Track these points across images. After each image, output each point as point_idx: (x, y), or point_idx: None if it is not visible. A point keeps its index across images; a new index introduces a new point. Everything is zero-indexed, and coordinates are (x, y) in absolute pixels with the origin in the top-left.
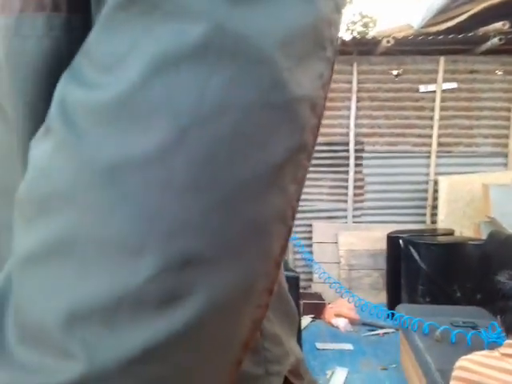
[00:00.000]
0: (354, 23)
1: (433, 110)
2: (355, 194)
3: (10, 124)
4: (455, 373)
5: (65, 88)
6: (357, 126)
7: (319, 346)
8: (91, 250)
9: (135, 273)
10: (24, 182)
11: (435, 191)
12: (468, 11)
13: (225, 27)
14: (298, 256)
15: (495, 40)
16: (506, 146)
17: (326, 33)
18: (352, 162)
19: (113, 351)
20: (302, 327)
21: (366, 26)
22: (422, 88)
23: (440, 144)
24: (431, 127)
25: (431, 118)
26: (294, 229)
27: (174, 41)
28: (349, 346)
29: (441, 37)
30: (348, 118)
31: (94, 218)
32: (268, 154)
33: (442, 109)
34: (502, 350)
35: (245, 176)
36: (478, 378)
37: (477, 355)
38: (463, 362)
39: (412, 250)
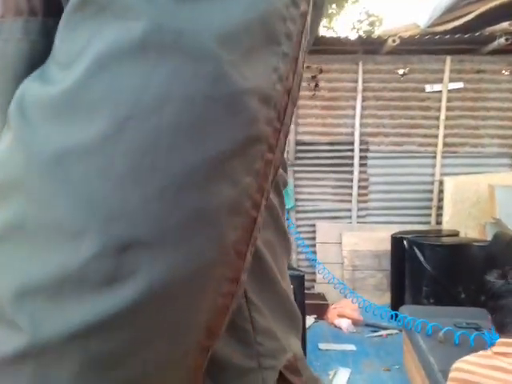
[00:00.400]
0: (360, 22)
1: (439, 109)
2: (359, 194)
3: None
4: (452, 374)
5: (26, 85)
6: (362, 125)
7: (322, 346)
8: (39, 233)
9: (76, 254)
10: None
11: (440, 192)
12: (475, 10)
13: (163, 24)
14: (302, 256)
15: (502, 40)
16: None
17: (278, 27)
18: (356, 161)
19: (56, 325)
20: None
21: (372, 24)
22: (428, 88)
23: (446, 144)
24: (437, 127)
25: (437, 118)
26: (298, 229)
27: (118, 39)
28: (351, 347)
29: (447, 36)
30: (353, 117)
31: (40, 204)
32: (211, 145)
33: (448, 109)
34: (495, 348)
35: (185, 167)
36: (473, 378)
37: (472, 356)
38: (459, 363)
39: (416, 251)
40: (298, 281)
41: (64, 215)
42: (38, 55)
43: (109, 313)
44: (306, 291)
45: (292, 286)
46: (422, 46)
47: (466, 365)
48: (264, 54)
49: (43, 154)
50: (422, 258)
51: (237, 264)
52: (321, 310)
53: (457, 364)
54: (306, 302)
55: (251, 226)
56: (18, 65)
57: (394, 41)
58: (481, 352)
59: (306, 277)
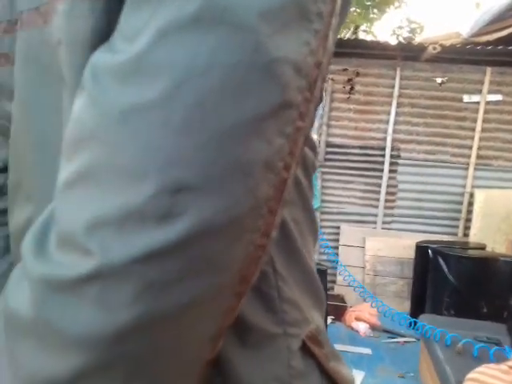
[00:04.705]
0: (401, 28)
1: (475, 121)
2: (387, 200)
3: (69, 90)
4: None
5: (97, 55)
6: (395, 131)
7: (337, 347)
8: (108, 176)
9: (139, 193)
10: (66, 131)
11: (470, 204)
12: None
13: (213, 2)
14: (324, 257)
15: None
16: None
17: (310, 7)
18: (387, 167)
19: (121, 251)
20: None
21: (412, 31)
22: (466, 98)
23: (479, 156)
24: (472, 138)
25: (473, 129)
26: (322, 230)
27: (175, 14)
28: (367, 351)
29: (490, 47)
30: (386, 122)
31: (111, 152)
32: (249, 106)
33: (485, 121)
34: (510, 363)
35: (228, 122)
36: None
37: (487, 367)
38: (474, 374)
39: (441, 261)
40: (321, 275)
41: (129, 160)
42: (100, 30)
43: (163, 243)
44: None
45: None
46: (463, 56)
47: (482, 376)
48: (297, 29)
49: (113, 110)
50: (445, 269)
51: (269, 219)
52: (339, 312)
53: (471, 374)
54: None
55: (282, 186)
56: (86, 38)
57: (434, 48)
58: (492, 364)
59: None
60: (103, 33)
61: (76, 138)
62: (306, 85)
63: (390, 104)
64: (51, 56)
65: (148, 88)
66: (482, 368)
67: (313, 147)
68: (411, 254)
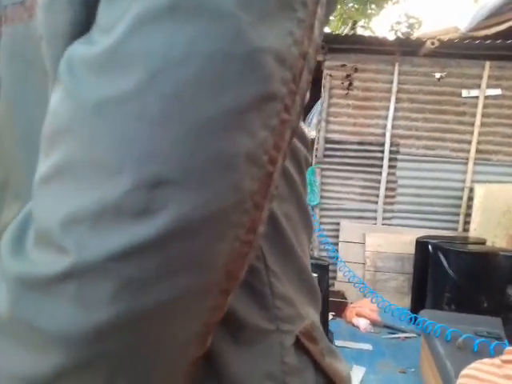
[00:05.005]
0: (399, 24)
1: (474, 115)
2: (386, 196)
3: (51, 83)
4: (460, 381)
5: (73, 47)
6: (394, 127)
7: (338, 343)
8: (83, 171)
9: (115, 188)
10: (43, 126)
11: (470, 199)
12: None
13: None
14: (324, 253)
15: None
16: None
17: None
18: (386, 163)
19: (96, 249)
20: None
21: (411, 27)
22: (465, 93)
23: (479, 151)
24: (471, 133)
25: (472, 124)
26: (321, 226)
27: (151, 3)
28: (368, 347)
29: (488, 41)
30: (385, 118)
31: (86, 145)
32: (229, 97)
33: (484, 115)
34: (504, 357)
35: (207, 114)
36: None
37: (481, 363)
38: (468, 370)
39: (441, 257)
40: (322, 270)
41: (105, 155)
42: (79, 23)
43: (140, 240)
44: None
45: (316, 275)
46: (461, 51)
47: (476, 372)
48: (280, 18)
49: (88, 102)
50: (446, 264)
51: (254, 214)
52: (339, 308)
53: (466, 371)
54: None
55: (268, 181)
56: (65, 31)
57: (432, 43)
58: (487, 359)
59: None
60: (83, 26)
61: (53, 132)
62: (290, 76)
63: (388, 99)
64: (35, 51)
65: (123, 79)
66: (476, 364)
67: (305, 143)
68: (411, 249)
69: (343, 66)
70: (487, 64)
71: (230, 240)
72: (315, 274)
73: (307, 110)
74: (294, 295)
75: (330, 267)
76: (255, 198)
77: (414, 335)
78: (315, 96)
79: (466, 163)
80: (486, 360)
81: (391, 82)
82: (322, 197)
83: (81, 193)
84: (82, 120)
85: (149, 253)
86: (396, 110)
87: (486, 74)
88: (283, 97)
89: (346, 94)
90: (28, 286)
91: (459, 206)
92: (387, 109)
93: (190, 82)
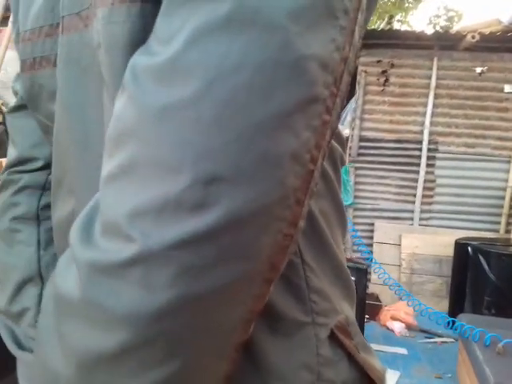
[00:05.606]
0: (438, 17)
1: None
2: (424, 196)
3: (109, 90)
4: None
5: (136, 57)
6: (432, 124)
7: (372, 346)
8: (148, 169)
9: (175, 184)
10: (108, 129)
11: None
12: None
13: (244, 3)
14: (358, 255)
15: None
16: None
17: (337, 4)
18: (424, 161)
19: (159, 238)
20: None
21: (450, 20)
22: (508, 88)
23: None
24: None
25: None
26: (355, 227)
27: (208, 17)
28: (403, 351)
29: None
30: (423, 115)
31: (149, 147)
32: (277, 101)
33: None
34: None
35: (257, 117)
36: None
37: None
38: None
39: (481, 259)
40: (360, 273)
41: (166, 155)
42: (137, 33)
43: (197, 231)
44: None
45: (353, 278)
46: (504, 44)
47: None
48: (324, 26)
49: (152, 108)
50: (486, 267)
51: (296, 209)
52: (373, 311)
53: None
54: None
55: (309, 178)
56: (123, 41)
57: (473, 37)
58: None
59: None
60: (140, 36)
61: (117, 135)
62: (332, 80)
63: (426, 96)
64: (91, 58)
65: (182, 87)
66: None
67: (341, 142)
68: (450, 251)
69: (379, 61)
70: None
71: (274, 233)
72: (353, 278)
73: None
74: (329, 290)
75: None
76: (297, 194)
77: (452, 340)
78: (349, 93)
79: (509, 162)
80: None
81: (429, 78)
82: (355, 196)
83: (145, 189)
84: (146, 124)
85: (204, 242)
86: (435, 106)
87: None
88: (325, 99)
89: (382, 90)
90: (99, 272)
91: (501, 207)
92: (425, 105)
93: (242, 88)
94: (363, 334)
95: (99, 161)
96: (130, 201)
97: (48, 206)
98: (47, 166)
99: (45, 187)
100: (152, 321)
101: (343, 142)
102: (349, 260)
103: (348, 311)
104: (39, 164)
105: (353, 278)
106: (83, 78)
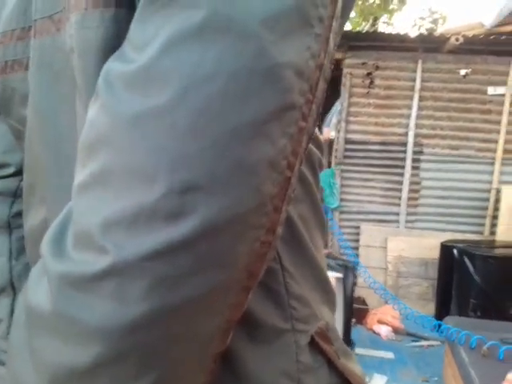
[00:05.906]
0: (423, 19)
1: (501, 113)
2: (409, 198)
3: (82, 96)
4: None
5: (109, 64)
6: (417, 126)
7: (358, 351)
8: (121, 178)
9: (150, 193)
10: (81, 136)
11: (497, 201)
12: None
13: (218, 11)
14: (343, 258)
15: None
16: None
17: (311, 12)
18: (409, 163)
19: (133, 249)
20: None
21: (435, 22)
22: (491, 90)
23: (506, 151)
24: (498, 132)
25: (498, 123)
26: (341, 230)
27: (182, 25)
28: (390, 355)
29: None
30: (408, 117)
31: (122, 155)
32: (253, 109)
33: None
34: None
35: (233, 125)
36: None
37: None
38: None
39: (466, 261)
40: (348, 271)
41: (140, 163)
42: (110, 39)
43: (172, 241)
44: None
45: (341, 275)
46: (487, 47)
47: None
48: (299, 34)
49: (125, 116)
50: (471, 269)
51: (273, 216)
52: (360, 315)
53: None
54: None
55: (286, 185)
56: (96, 47)
57: (457, 39)
58: None
59: None
60: (113, 41)
61: (90, 143)
62: (307, 87)
63: (411, 98)
64: (64, 62)
65: (156, 95)
66: None
67: (319, 145)
68: (436, 254)
69: (364, 63)
70: None
71: (251, 240)
72: (340, 274)
73: (325, 110)
74: (309, 295)
75: None
76: (275, 201)
77: (438, 343)
78: (334, 96)
79: (493, 163)
80: None
81: (414, 80)
82: (341, 199)
83: (118, 198)
84: (119, 132)
85: (179, 252)
86: (419, 108)
87: None
88: (301, 106)
89: (367, 92)
90: (70, 284)
91: (486, 209)
92: (410, 107)
93: (216, 96)
94: (350, 337)
95: (71, 167)
96: (103, 211)
97: (19, 214)
98: (19, 173)
99: (16, 194)
100: (126, 334)
101: (321, 145)
102: (337, 258)
103: (328, 316)
104: (11, 170)
105: (340, 275)
106: (56, 82)
